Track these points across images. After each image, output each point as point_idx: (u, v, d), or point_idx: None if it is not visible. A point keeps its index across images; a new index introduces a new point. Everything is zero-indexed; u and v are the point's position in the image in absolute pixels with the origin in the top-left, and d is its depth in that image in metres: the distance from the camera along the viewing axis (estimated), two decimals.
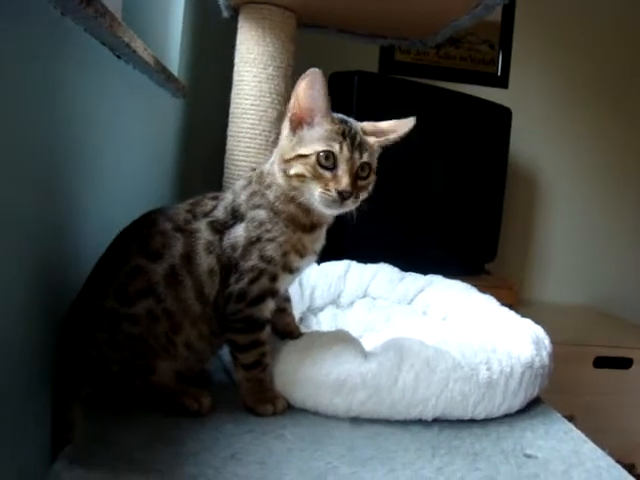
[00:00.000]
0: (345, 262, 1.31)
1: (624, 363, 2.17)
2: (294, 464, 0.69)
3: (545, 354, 0.95)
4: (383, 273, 1.32)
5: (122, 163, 1.07)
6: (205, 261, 0.80)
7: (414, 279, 1.32)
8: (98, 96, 0.92)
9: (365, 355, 0.84)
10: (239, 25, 1.40)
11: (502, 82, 2.73)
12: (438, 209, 2.27)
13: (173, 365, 0.82)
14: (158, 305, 0.78)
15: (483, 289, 1.26)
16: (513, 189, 2.59)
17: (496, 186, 2.42)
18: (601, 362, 2.17)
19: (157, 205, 0.88)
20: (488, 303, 1.18)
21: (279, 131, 1.38)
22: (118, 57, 0.99)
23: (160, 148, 1.38)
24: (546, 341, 0.98)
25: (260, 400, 0.81)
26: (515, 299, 2.18)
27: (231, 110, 1.40)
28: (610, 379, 2.17)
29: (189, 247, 0.80)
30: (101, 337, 0.78)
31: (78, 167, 0.86)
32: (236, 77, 1.40)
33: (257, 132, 1.36)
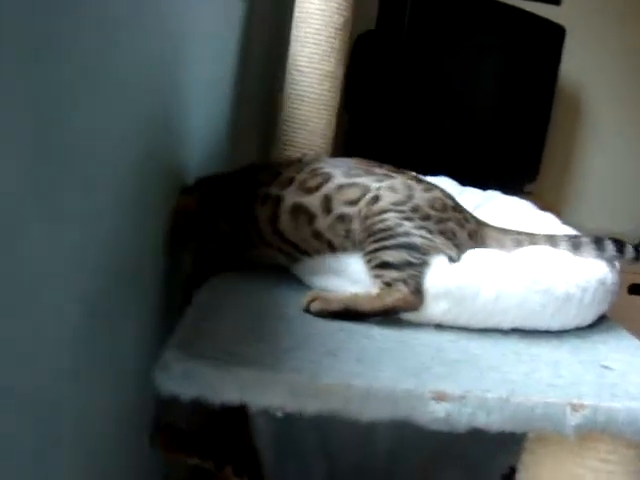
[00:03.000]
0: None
1: None
2: (389, 362, 0.71)
3: (615, 272, 0.96)
4: (443, 186, 1.31)
5: (195, 57, 1.06)
6: None
7: (472, 194, 1.31)
8: None
9: (449, 265, 0.85)
10: None
11: None
12: (482, 126, 2.24)
13: None
14: None
15: None
16: (560, 111, 2.53)
17: (542, 106, 2.37)
18: (636, 289, 2.17)
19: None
20: (551, 221, 1.17)
21: (343, 38, 1.38)
22: None
23: (224, 48, 1.35)
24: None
25: None
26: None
27: (295, 14, 1.35)
28: None
29: None
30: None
31: (165, 57, 0.86)
32: None
33: (322, 37, 1.32)
